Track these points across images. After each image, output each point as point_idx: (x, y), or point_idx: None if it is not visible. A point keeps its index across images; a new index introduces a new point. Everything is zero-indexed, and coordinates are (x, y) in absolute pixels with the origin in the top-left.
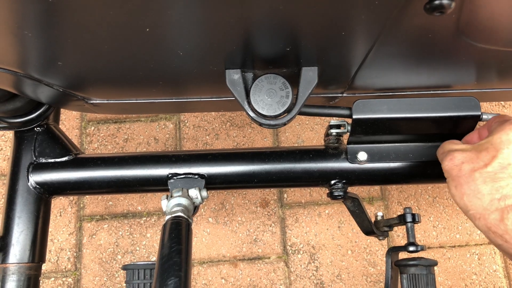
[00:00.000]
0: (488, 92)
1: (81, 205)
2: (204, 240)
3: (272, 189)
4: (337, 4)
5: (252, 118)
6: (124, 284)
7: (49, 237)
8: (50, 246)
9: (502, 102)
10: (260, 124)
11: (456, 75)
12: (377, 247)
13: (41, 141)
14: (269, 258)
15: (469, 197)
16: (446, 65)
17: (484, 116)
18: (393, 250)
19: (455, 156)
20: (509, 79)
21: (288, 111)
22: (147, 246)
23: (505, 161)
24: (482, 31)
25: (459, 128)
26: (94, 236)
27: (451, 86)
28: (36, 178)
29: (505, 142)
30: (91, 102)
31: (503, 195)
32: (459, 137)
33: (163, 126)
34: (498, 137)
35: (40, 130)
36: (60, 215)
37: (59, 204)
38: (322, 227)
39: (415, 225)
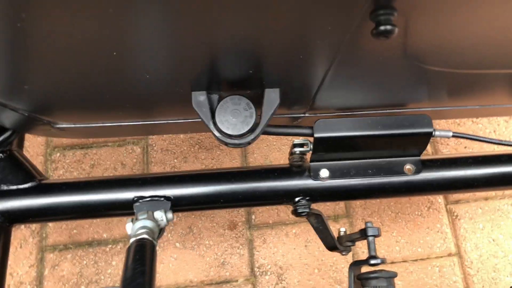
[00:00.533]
0: (441, 110)
1: (44, 234)
2: (171, 265)
3: (239, 209)
4: (294, 30)
5: (217, 138)
6: None
7: (8, 271)
8: (9, 280)
9: (457, 120)
10: (226, 144)
11: (409, 95)
12: (343, 265)
13: (3, 167)
14: (236, 281)
15: None
16: (399, 85)
17: (436, 133)
18: (355, 264)
19: None
20: (458, 98)
21: (252, 130)
22: (112, 274)
23: None
24: (426, 54)
25: (413, 144)
26: (56, 267)
27: (406, 105)
28: None
29: None
30: (58, 126)
31: None
32: (415, 153)
33: (131, 151)
34: None
35: (2, 157)
36: (21, 247)
37: (20, 235)
38: (289, 247)
39: (379, 240)
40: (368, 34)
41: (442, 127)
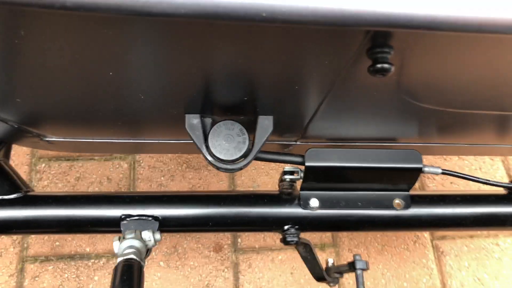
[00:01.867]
0: (430, 146)
1: (25, 245)
2: (155, 284)
3: (226, 233)
4: (291, 63)
5: (209, 162)
6: None
7: None
8: None
9: (444, 156)
10: (218, 168)
11: (400, 129)
12: None
13: None
14: None
15: None
16: (391, 120)
17: (426, 169)
18: None
19: None
20: (448, 135)
21: (244, 156)
22: None
23: None
24: (419, 92)
25: (403, 178)
26: (37, 278)
27: (396, 139)
28: None
29: None
30: (47, 139)
31: None
32: (404, 187)
33: (117, 166)
34: None
35: None
36: (1, 256)
37: (1, 244)
38: (275, 273)
39: (365, 272)
40: (364, 70)
41: (429, 161)
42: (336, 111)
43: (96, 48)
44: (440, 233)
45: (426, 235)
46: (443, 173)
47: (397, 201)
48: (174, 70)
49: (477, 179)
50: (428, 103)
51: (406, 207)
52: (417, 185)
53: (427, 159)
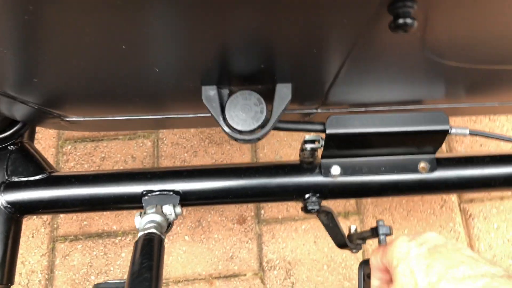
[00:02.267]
0: (458, 108)
1: (55, 225)
2: (180, 258)
3: (248, 204)
4: (308, 23)
5: (227, 133)
6: None
7: (20, 259)
8: (21, 269)
9: (473, 117)
10: (235, 139)
11: (425, 91)
12: (353, 261)
13: (14, 159)
14: (245, 275)
15: None
16: (415, 81)
17: (453, 130)
18: (365, 263)
19: None
20: (476, 94)
21: (262, 126)
22: (122, 266)
23: (423, 281)
24: (445, 48)
25: (428, 141)
26: (67, 257)
27: (422, 101)
28: (7, 197)
29: (403, 258)
30: (67, 119)
31: None
32: (430, 150)
33: (141, 144)
34: (395, 263)
35: (13, 149)
36: (33, 236)
37: (32, 225)
38: (298, 243)
39: (388, 237)
40: (385, 28)
41: (457, 124)
42: (358, 74)
43: (107, 18)
44: (468, 196)
45: (453, 198)
46: (471, 134)
47: (422, 164)
48: (189, 39)
49: (508, 138)
50: (455, 60)
51: (432, 170)
52: (444, 149)
53: (454, 122)
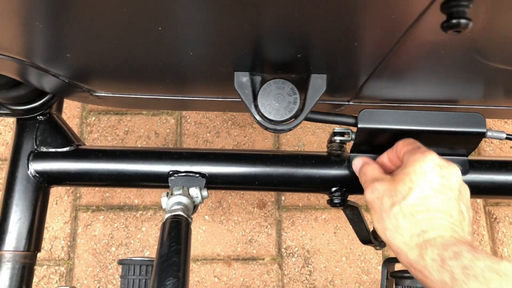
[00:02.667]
0: (493, 109)
1: (78, 194)
2: (199, 237)
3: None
4: (353, 15)
5: (258, 122)
6: (118, 277)
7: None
8: (45, 234)
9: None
10: (266, 128)
11: (464, 91)
12: (372, 255)
13: (43, 130)
14: (263, 259)
15: (391, 232)
16: (456, 80)
17: (489, 134)
18: (389, 261)
19: (376, 188)
20: None
21: (295, 117)
22: (142, 240)
23: (421, 193)
24: (494, 50)
25: (463, 143)
26: (89, 227)
27: (458, 101)
28: (36, 167)
29: (419, 173)
30: (96, 94)
31: (421, 230)
32: (463, 153)
33: (165, 121)
34: (412, 169)
35: (42, 119)
36: (56, 204)
37: (56, 193)
38: (318, 232)
39: None
40: (434, 26)
41: (488, 125)
42: (396, 70)
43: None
44: (494, 199)
45: (478, 200)
46: (507, 138)
47: None
48: (225, 23)
49: None
50: (502, 63)
51: (464, 173)
52: None
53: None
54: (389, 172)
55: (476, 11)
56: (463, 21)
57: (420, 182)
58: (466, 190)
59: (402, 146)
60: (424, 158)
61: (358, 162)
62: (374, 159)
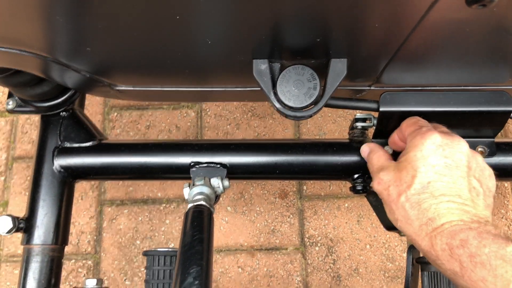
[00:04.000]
0: None
1: (102, 189)
2: (222, 228)
3: (292, 180)
4: None
5: (278, 110)
6: (144, 270)
7: (71, 220)
8: (72, 229)
9: None
10: (286, 116)
11: (489, 72)
12: (396, 243)
13: (67, 125)
14: (286, 249)
15: (402, 223)
16: (481, 61)
17: None
18: (414, 248)
19: (381, 179)
20: None
21: (315, 103)
22: (166, 232)
23: (424, 179)
24: None
25: (488, 123)
26: (114, 221)
27: (483, 83)
28: (61, 162)
29: (420, 159)
30: (117, 88)
31: (429, 218)
32: (489, 134)
33: (185, 114)
34: (413, 154)
35: (65, 115)
36: (82, 199)
37: (81, 188)
38: (341, 220)
39: None
40: (458, 1)
41: None
42: (419, 52)
43: None
44: None
45: (506, 184)
46: None
47: (480, 148)
48: (242, 10)
49: None
50: None
51: (491, 154)
52: None
53: None
54: (402, 149)
55: None
56: None
57: (422, 168)
58: (478, 162)
59: (405, 127)
60: (424, 141)
61: (365, 149)
62: None
